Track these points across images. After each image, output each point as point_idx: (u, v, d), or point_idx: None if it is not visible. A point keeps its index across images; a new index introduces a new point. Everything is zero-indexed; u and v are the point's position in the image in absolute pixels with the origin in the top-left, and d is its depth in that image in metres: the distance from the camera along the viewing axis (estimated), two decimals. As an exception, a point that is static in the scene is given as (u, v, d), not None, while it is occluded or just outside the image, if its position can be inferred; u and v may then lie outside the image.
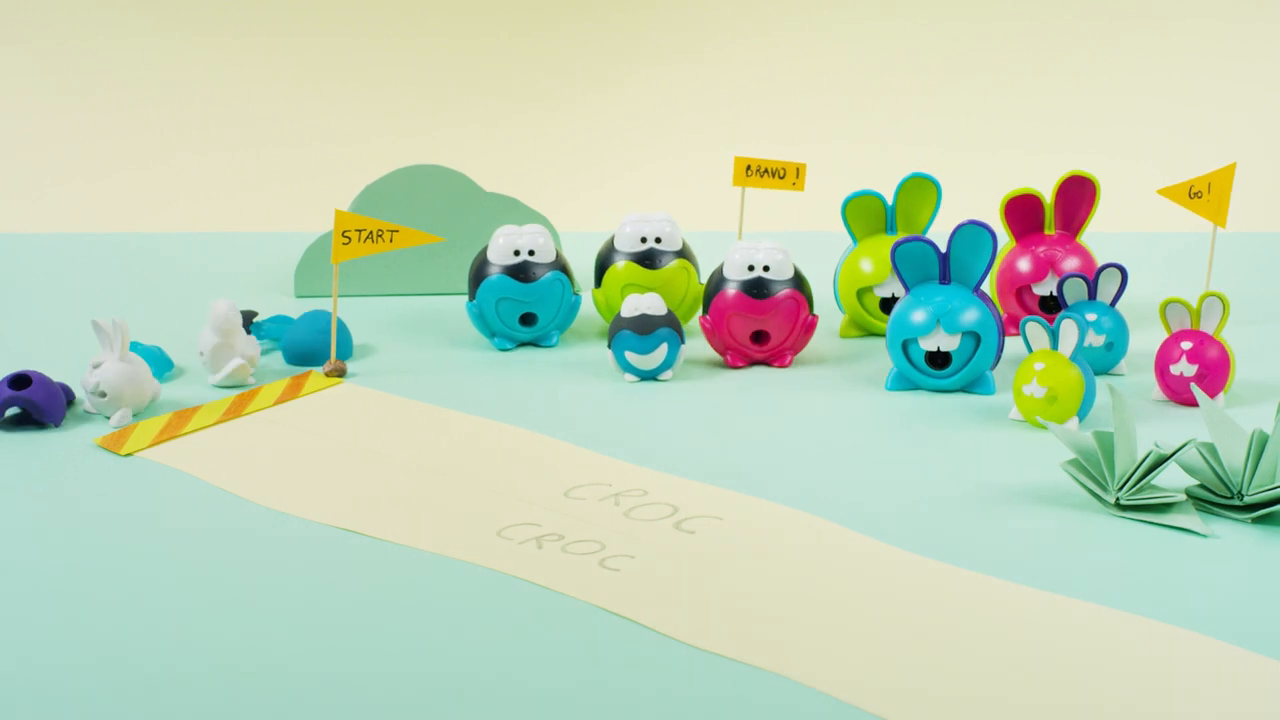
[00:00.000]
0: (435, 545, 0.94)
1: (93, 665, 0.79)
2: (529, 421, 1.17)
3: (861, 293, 1.40)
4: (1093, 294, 1.28)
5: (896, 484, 1.05)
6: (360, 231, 1.27)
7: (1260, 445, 0.97)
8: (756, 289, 1.28)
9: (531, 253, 1.33)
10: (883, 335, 1.39)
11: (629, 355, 1.26)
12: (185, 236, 1.89)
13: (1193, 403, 1.20)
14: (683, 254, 1.38)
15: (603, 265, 1.39)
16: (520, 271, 1.33)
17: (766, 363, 1.32)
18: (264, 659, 0.80)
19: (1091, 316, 1.27)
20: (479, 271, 1.34)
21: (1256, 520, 0.98)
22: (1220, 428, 0.98)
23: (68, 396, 1.18)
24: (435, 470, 1.07)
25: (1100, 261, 1.37)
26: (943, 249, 1.23)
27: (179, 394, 1.23)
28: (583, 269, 1.50)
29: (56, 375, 1.29)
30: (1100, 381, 1.24)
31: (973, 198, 1.63)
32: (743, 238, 1.49)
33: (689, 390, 1.26)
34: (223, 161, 2.31)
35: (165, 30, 2.39)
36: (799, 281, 1.30)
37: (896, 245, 1.23)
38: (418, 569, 0.91)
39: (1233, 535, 0.96)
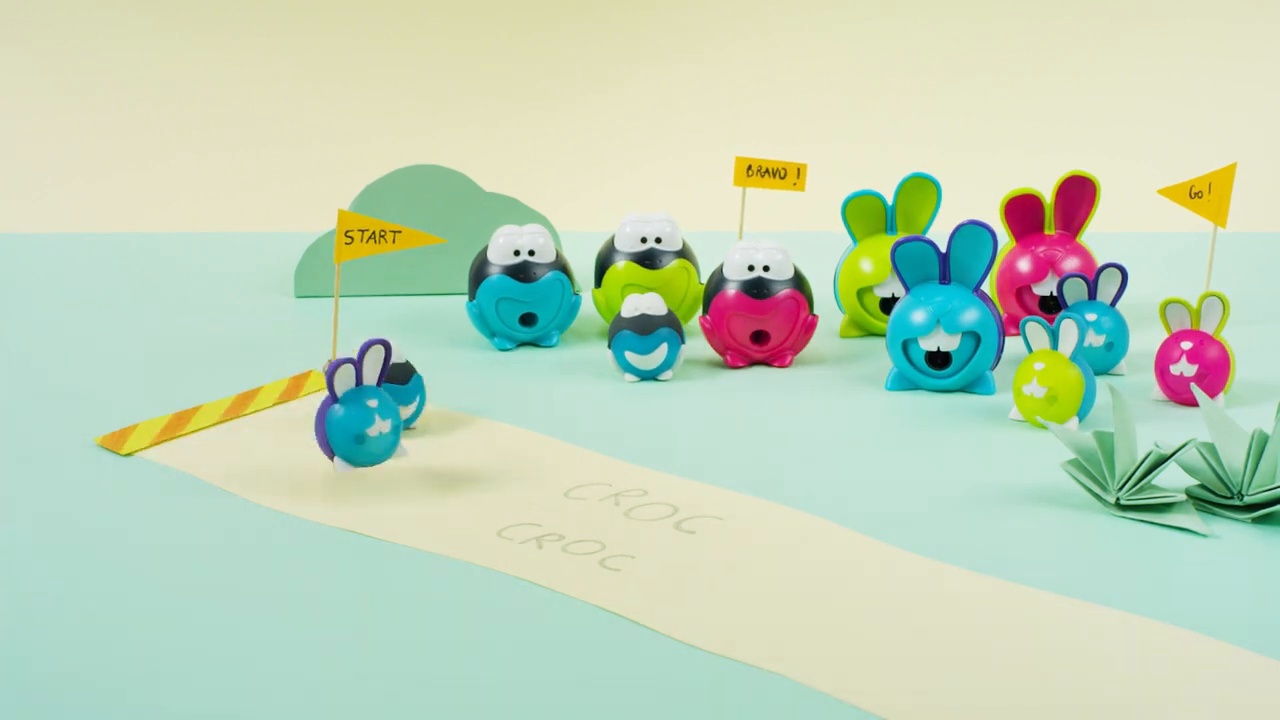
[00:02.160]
0: (435, 545, 0.94)
1: (92, 665, 0.79)
2: (529, 421, 1.17)
3: (861, 293, 1.40)
4: (1093, 294, 1.28)
5: (896, 484, 1.05)
6: (363, 232, 1.26)
7: (1260, 445, 0.97)
8: (756, 289, 1.28)
9: (531, 253, 1.33)
10: (883, 335, 1.39)
11: (629, 355, 1.26)
12: (185, 236, 1.89)
13: (1193, 403, 1.20)
14: (683, 254, 1.38)
15: (603, 265, 1.39)
16: (520, 271, 1.33)
17: (766, 363, 1.32)
18: (263, 659, 0.80)
19: (1091, 316, 1.27)
20: (479, 271, 1.34)
21: (1256, 520, 0.98)
22: (1220, 428, 0.98)
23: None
24: (434, 470, 1.07)
25: (1100, 261, 1.37)
26: (943, 249, 1.23)
27: (179, 394, 1.22)
28: (583, 269, 1.50)
29: (54, 377, 1.29)
30: (1100, 381, 1.24)
31: (973, 198, 1.63)
32: (743, 238, 1.49)
33: (689, 390, 1.26)
34: (223, 161, 2.31)
35: (165, 30, 2.39)
36: (799, 281, 1.30)
37: (896, 245, 1.23)
38: (418, 569, 0.91)
39: (1233, 535, 0.96)
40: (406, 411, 1.12)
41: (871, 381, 1.28)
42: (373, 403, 1.00)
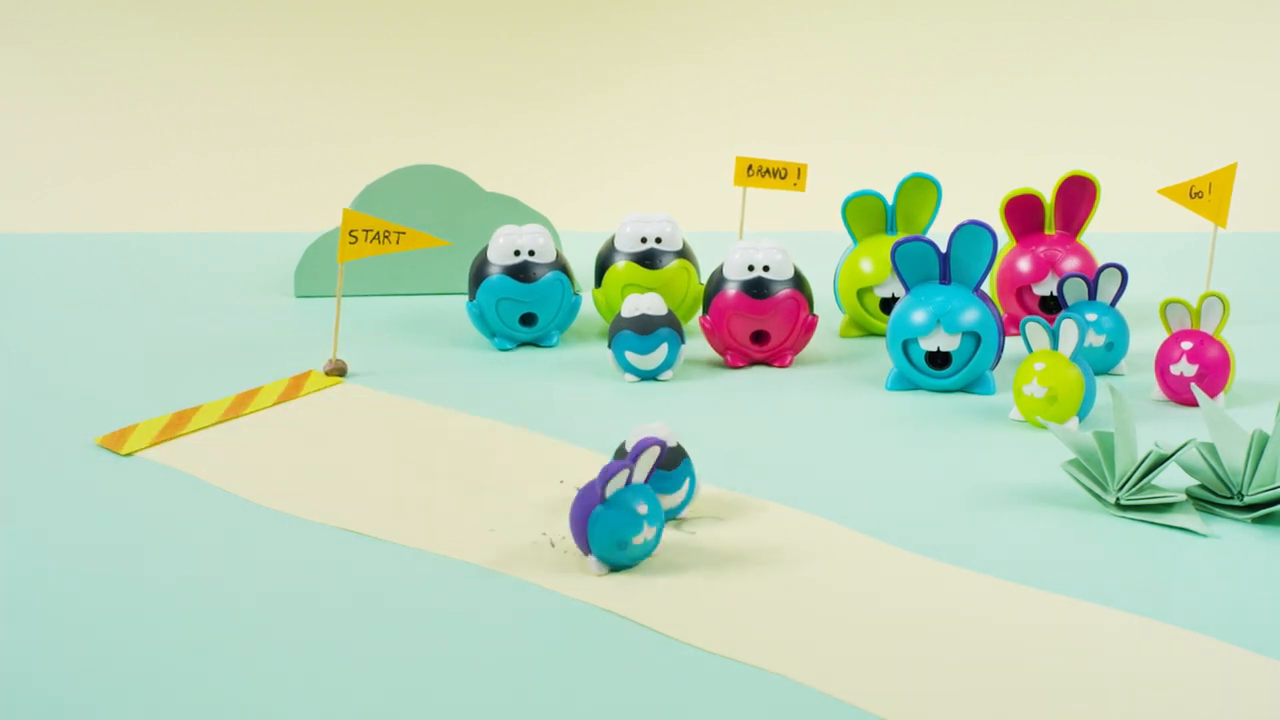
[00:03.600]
0: (435, 545, 0.94)
1: (91, 665, 0.79)
2: (529, 421, 1.17)
3: (861, 293, 1.40)
4: (1093, 294, 1.28)
5: (897, 484, 1.05)
6: (367, 232, 1.26)
7: (1260, 445, 0.97)
8: (756, 289, 1.28)
9: (531, 253, 1.33)
10: (883, 335, 1.39)
11: (629, 355, 1.26)
12: (185, 236, 1.89)
13: (1193, 403, 1.20)
14: (683, 254, 1.38)
15: (603, 265, 1.39)
16: (520, 271, 1.33)
17: (766, 363, 1.32)
18: (263, 659, 0.80)
19: (1091, 316, 1.27)
20: (479, 271, 1.34)
21: (1256, 520, 0.98)
22: (1220, 428, 0.98)
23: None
24: (435, 470, 1.07)
25: (1100, 261, 1.37)
26: (943, 249, 1.23)
27: (179, 394, 1.22)
28: (583, 269, 1.50)
29: (54, 377, 1.29)
30: (1100, 381, 1.24)
31: (973, 198, 1.63)
32: (743, 238, 1.49)
33: (689, 390, 1.26)
34: (223, 161, 2.31)
35: (165, 30, 2.39)
36: (799, 281, 1.30)
37: (896, 245, 1.23)
38: (417, 569, 0.91)
39: (1233, 535, 0.96)
40: (673, 500, 0.98)
41: (871, 381, 1.28)
42: (642, 508, 0.90)
